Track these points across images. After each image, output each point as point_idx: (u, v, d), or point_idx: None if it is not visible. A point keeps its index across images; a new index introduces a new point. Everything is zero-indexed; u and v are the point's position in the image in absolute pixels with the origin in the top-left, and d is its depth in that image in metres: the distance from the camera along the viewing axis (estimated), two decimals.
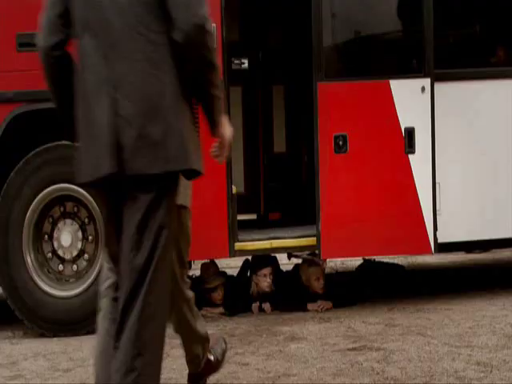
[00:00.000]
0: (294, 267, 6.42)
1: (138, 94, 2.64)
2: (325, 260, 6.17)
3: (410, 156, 5.82)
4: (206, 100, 2.76)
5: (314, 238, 5.84)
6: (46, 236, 5.75)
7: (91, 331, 5.50)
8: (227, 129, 2.87)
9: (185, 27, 2.61)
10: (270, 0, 7.01)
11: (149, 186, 2.68)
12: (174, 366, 4.47)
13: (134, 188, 2.69)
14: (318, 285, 6.02)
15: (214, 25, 4.23)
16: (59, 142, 5.63)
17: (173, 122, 2.65)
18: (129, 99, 2.64)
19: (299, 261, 6.38)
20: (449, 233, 5.95)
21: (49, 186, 5.65)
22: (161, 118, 2.63)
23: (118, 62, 2.67)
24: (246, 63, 6.85)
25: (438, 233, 5.91)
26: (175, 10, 2.62)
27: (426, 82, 5.84)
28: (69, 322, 5.55)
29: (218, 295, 5.93)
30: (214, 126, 2.80)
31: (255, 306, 5.96)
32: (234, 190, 5.81)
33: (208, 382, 3.99)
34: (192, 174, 2.79)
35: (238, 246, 5.79)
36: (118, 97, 2.64)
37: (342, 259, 7.49)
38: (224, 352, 3.97)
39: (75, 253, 5.74)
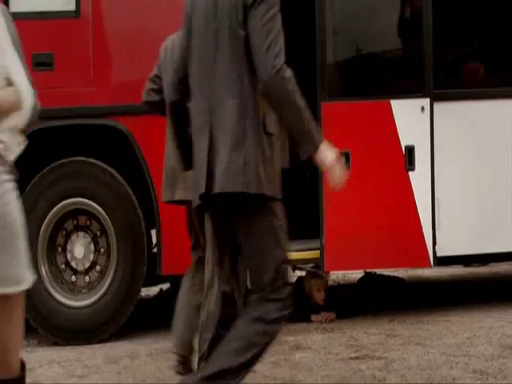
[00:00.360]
0: (297, 279, 6.58)
1: (229, 133, 3.15)
2: (328, 273, 6.31)
3: (410, 173, 5.93)
4: (299, 131, 3.15)
5: (318, 252, 5.95)
6: (60, 248, 5.90)
7: (103, 340, 5.71)
8: (328, 154, 3.19)
9: (265, 78, 3.07)
10: None
11: (240, 207, 3.21)
12: None
13: (228, 210, 3.28)
14: (319, 296, 6.18)
15: None
16: (72, 158, 5.80)
17: (251, 155, 3.14)
18: (223, 136, 3.16)
19: (303, 273, 6.56)
20: (448, 247, 6.04)
21: (63, 200, 5.80)
22: (243, 152, 3.14)
23: (218, 110, 3.20)
24: None
25: (437, 247, 6.01)
26: (257, 64, 3.11)
27: (426, 101, 5.97)
28: (81, 330, 5.72)
29: None
30: (312, 150, 3.16)
31: None
32: None
33: None
34: (265, 198, 3.23)
35: None
36: (215, 134, 3.18)
37: (344, 272, 7.64)
38: None
39: (87, 265, 5.89)
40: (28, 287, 2.78)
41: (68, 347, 5.61)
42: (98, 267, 5.90)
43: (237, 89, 3.17)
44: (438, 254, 6.03)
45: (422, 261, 6.06)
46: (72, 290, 5.88)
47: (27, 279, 2.78)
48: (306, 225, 6.35)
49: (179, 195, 4.40)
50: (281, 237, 3.33)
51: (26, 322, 5.62)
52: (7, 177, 2.75)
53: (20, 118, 2.68)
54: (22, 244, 2.80)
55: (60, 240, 5.90)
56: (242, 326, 3.24)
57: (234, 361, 3.17)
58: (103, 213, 5.83)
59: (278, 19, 3.19)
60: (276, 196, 3.29)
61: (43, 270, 5.77)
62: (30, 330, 5.75)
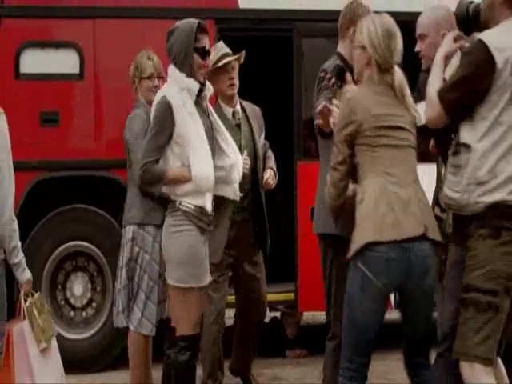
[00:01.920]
0: (272, 319, 7.18)
1: None
2: (301, 313, 6.90)
3: None
4: None
5: (293, 294, 6.50)
6: (60, 286, 6.42)
7: (100, 370, 6.23)
8: None
9: None
10: (254, 81, 7.69)
11: None
12: None
13: None
14: (290, 331, 6.83)
15: None
16: (74, 205, 6.32)
17: None
18: None
19: (277, 313, 7.15)
20: None
21: (64, 244, 6.33)
22: None
23: None
24: None
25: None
26: None
27: None
28: (80, 361, 6.24)
29: None
30: None
31: None
32: None
33: None
34: None
35: None
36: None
37: (314, 313, 8.18)
38: None
39: (85, 301, 6.42)
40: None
41: (68, 376, 6.09)
42: (94, 304, 6.44)
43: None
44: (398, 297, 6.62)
45: None
46: (70, 324, 6.39)
47: None
48: (282, 269, 6.89)
49: None
50: None
51: None
52: None
53: (191, 186, 4.15)
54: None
55: (60, 278, 6.42)
56: None
57: None
58: (100, 254, 6.36)
59: None
60: None
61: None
62: None
